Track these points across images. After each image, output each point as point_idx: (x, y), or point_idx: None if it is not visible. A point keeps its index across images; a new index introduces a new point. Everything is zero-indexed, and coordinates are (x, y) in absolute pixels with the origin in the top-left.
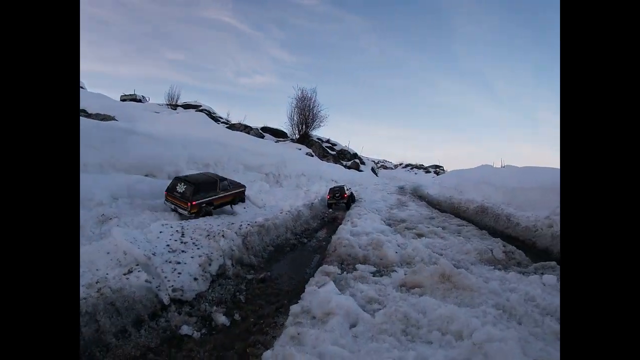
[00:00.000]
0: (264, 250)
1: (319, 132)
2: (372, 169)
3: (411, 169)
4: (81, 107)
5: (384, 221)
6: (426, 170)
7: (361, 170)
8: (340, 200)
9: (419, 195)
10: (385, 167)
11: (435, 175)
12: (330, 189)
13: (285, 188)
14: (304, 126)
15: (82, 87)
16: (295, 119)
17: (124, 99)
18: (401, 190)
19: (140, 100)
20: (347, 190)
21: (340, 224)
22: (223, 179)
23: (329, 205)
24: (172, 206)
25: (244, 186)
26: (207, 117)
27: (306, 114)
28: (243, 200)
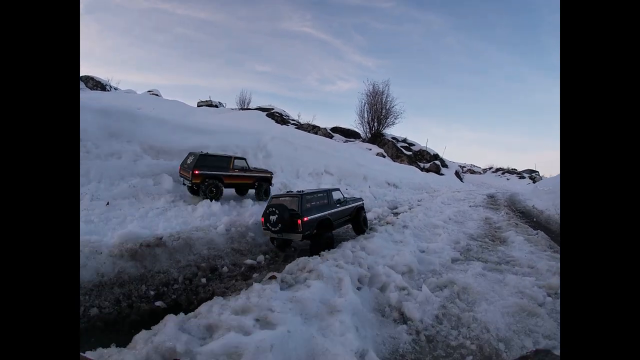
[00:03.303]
0: None
1: (396, 132)
2: (456, 173)
3: (502, 173)
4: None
5: None
6: (520, 175)
7: (442, 174)
8: (286, 232)
9: (519, 210)
10: (473, 172)
11: (531, 181)
12: (269, 204)
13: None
14: (375, 124)
15: (157, 95)
16: (366, 116)
17: (200, 105)
18: (492, 200)
19: (215, 106)
20: (326, 199)
21: None
22: (241, 158)
23: (272, 241)
24: (183, 180)
25: (270, 172)
26: (264, 115)
27: (378, 110)
28: (268, 191)
